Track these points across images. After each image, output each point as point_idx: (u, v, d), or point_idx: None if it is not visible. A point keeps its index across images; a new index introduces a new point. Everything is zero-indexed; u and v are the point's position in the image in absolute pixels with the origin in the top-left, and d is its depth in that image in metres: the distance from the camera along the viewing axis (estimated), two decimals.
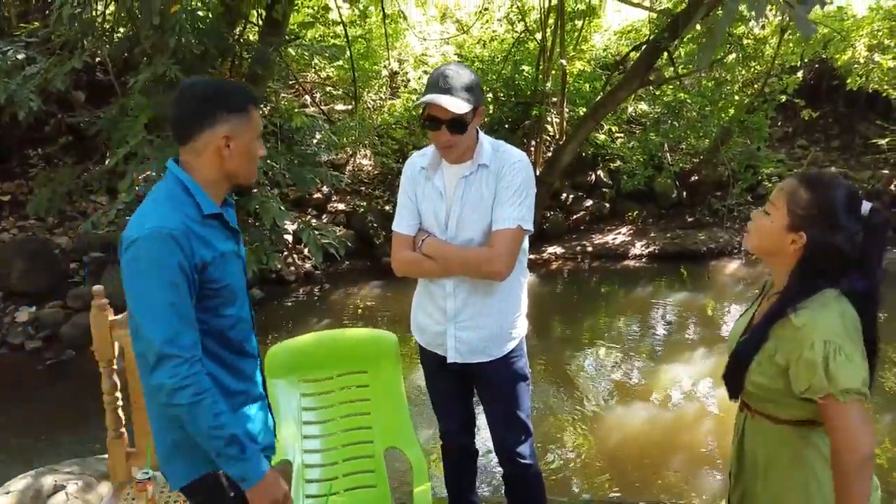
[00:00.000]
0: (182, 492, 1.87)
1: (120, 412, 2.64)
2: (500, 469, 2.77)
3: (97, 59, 9.12)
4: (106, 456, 2.74)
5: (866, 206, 1.72)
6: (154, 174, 5.26)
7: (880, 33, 11.01)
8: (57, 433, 5.10)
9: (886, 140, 11.56)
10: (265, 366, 2.82)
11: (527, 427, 2.65)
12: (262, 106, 7.46)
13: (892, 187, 11.46)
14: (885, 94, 11.39)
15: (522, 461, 2.65)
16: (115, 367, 2.58)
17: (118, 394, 2.62)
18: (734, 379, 1.86)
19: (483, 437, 2.87)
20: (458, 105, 2.25)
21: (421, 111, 2.39)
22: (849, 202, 1.71)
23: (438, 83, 2.29)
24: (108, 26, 6.84)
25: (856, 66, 10.98)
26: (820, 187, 1.73)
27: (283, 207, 5.79)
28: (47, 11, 5.92)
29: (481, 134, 2.47)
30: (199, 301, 1.74)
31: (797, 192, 1.74)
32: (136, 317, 1.68)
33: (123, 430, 2.66)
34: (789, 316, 1.70)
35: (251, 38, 7.75)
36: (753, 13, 2.06)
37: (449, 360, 2.52)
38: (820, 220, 1.70)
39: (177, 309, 1.65)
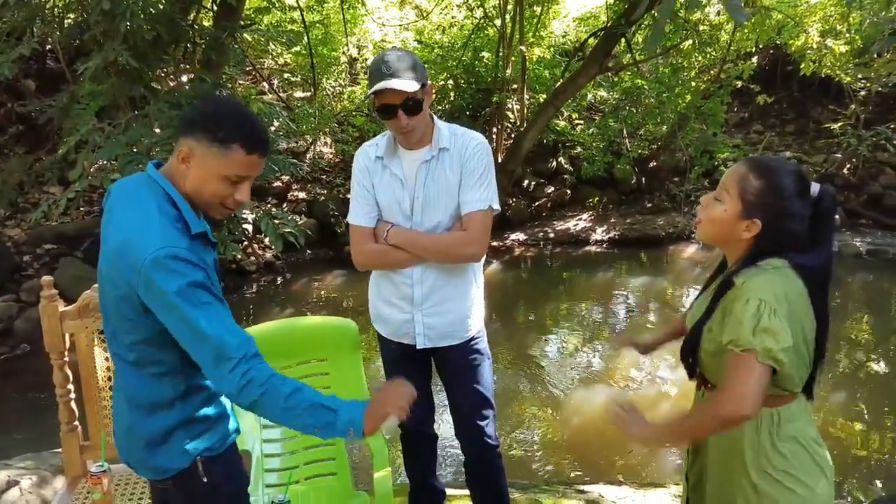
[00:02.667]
0: (158, 483, 1.85)
1: (73, 405, 2.58)
2: (459, 453, 2.77)
3: (48, 47, 8.89)
4: (60, 450, 2.69)
5: (815, 188, 1.74)
6: (105, 163, 5.14)
7: (832, 18, 11.20)
8: (11, 428, 4.99)
9: (839, 124, 11.79)
10: None
11: (492, 406, 2.66)
12: (217, 93, 7.33)
13: (845, 171, 11.72)
14: (837, 80, 11.61)
15: (488, 441, 2.66)
16: (66, 359, 2.53)
17: (70, 386, 2.56)
18: (690, 356, 1.89)
19: (442, 423, 2.88)
20: (408, 85, 2.22)
21: (373, 103, 2.34)
22: (799, 186, 1.73)
23: (382, 70, 2.24)
24: (57, 12, 6.66)
25: (809, 51, 11.15)
26: (770, 173, 1.74)
27: None
28: None
29: (436, 118, 2.46)
30: None
31: (748, 179, 1.74)
32: (185, 340, 1.65)
33: (77, 423, 2.60)
34: (734, 281, 1.73)
35: (205, 23, 7.61)
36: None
37: (418, 347, 2.51)
38: (772, 206, 1.72)
39: (214, 318, 1.63)
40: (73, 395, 2.58)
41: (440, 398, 2.73)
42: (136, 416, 1.79)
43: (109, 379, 2.59)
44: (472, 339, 2.56)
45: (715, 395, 1.74)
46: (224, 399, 1.93)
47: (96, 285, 2.44)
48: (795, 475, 1.76)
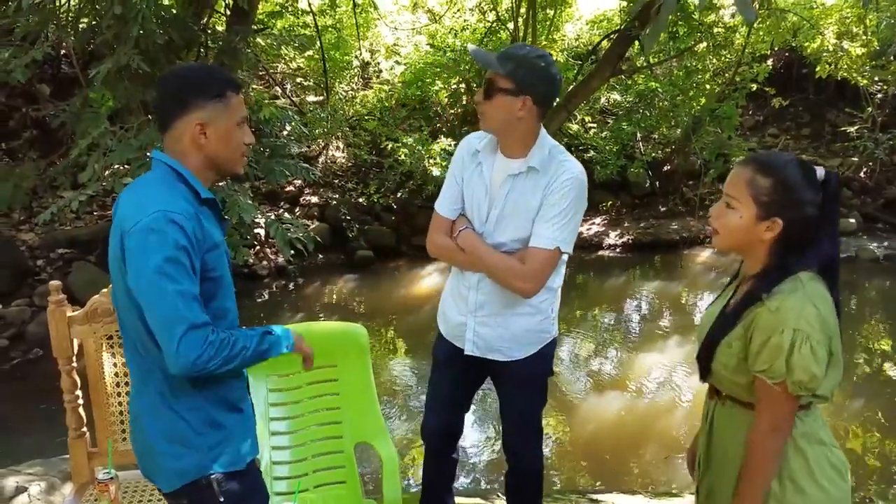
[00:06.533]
0: (170, 495, 1.81)
1: (81, 411, 2.56)
2: (474, 461, 2.75)
3: (62, 52, 8.93)
4: (69, 456, 2.67)
5: (821, 172, 1.73)
6: (118, 166, 5.13)
7: (848, 21, 11.10)
8: (22, 434, 4.99)
9: (855, 128, 11.68)
10: None
11: (537, 429, 2.63)
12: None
13: (861, 175, 11.60)
14: (853, 82, 11.49)
15: (530, 463, 2.65)
16: (74, 364, 2.50)
17: (78, 392, 2.54)
18: (705, 361, 1.87)
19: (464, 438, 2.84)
20: (493, 66, 2.19)
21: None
22: (805, 173, 1.72)
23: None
24: (70, 17, 6.68)
25: (825, 53, 11.06)
26: (775, 168, 1.72)
27: (251, 201, 5.68)
28: (9, 2, 5.74)
29: (544, 134, 2.34)
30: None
31: (755, 180, 1.72)
32: (147, 305, 1.64)
33: (85, 429, 2.58)
34: (763, 300, 1.70)
35: (218, 28, 7.61)
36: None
37: (466, 352, 2.46)
38: (788, 200, 1.70)
39: (184, 290, 1.62)
40: (81, 401, 2.56)
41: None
42: (151, 407, 1.77)
43: (118, 385, 2.56)
44: (530, 361, 2.47)
45: (759, 430, 1.74)
46: (248, 412, 1.91)
47: (105, 290, 2.43)
48: (815, 478, 1.74)
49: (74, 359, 2.51)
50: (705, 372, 1.89)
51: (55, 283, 2.48)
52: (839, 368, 1.75)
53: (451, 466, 2.83)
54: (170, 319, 1.60)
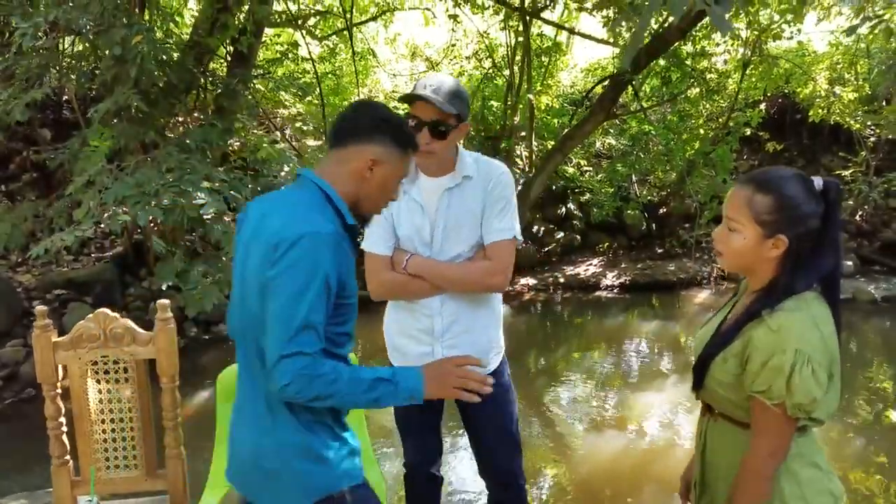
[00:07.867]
0: None
1: (65, 439, 2.54)
2: (463, 497, 2.71)
3: (64, 98, 9.06)
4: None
5: (819, 182, 1.72)
6: (115, 208, 5.16)
7: (840, 67, 11.28)
8: (11, 471, 4.92)
9: (849, 171, 11.76)
10: (216, 391, 2.75)
11: (518, 442, 2.61)
12: (230, 142, 7.41)
13: (857, 218, 11.65)
14: (846, 127, 11.62)
15: (516, 480, 2.61)
16: (58, 391, 2.49)
17: (62, 419, 2.52)
18: (699, 375, 1.86)
19: (446, 463, 2.80)
20: (442, 106, 2.22)
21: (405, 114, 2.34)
22: (805, 186, 1.71)
23: (425, 83, 2.27)
24: (72, 61, 6.79)
25: (818, 99, 11.21)
26: (773, 185, 1.71)
27: None
28: (10, 47, 5.85)
29: (461, 147, 2.44)
30: (331, 314, 1.72)
31: (754, 200, 1.70)
32: (272, 318, 1.64)
33: (69, 457, 2.56)
34: (764, 317, 1.68)
35: (220, 72, 7.75)
36: (673, 12, 2.11)
37: None
38: (790, 216, 1.69)
39: (308, 317, 1.61)
40: (65, 429, 2.54)
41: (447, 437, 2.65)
42: (279, 426, 1.74)
43: (102, 412, 2.54)
44: (497, 372, 2.49)
45: (754, 454, 1.71)
46: (353, 432, 1.91)
47: (91, 315, 2.43)
48: (807, 502, 1.71)
49: (59, 386, 2.50)
50: (698, 386, 1.87)
51: (41, 308, 2.49)
52: (837, 392, 1.72)
53: (437, 495, 2.79)
54: (278, 340, 1.60)
